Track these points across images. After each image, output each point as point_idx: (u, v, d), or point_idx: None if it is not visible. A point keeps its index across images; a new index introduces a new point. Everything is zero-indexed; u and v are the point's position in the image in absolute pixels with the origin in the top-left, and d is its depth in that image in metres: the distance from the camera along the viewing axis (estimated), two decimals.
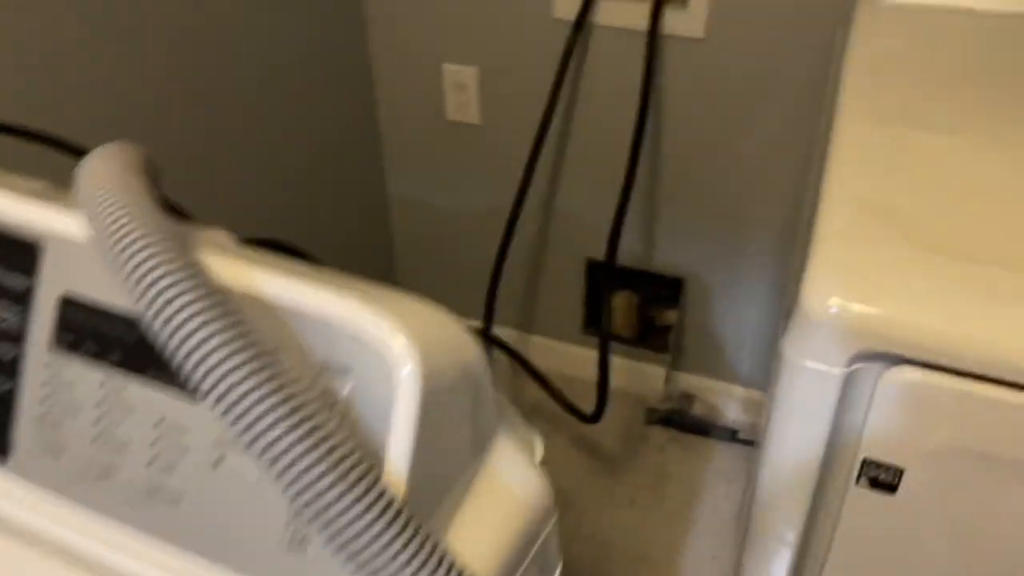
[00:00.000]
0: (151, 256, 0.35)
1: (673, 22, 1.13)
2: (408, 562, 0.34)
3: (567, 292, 1.50)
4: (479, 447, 0.45)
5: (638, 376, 1.50)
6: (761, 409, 1.38)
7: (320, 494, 0.34)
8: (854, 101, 0.67)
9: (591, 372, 1.25)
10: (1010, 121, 0.64)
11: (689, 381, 1.49)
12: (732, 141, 1.20)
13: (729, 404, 1.47)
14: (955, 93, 0.67)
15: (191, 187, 0.69)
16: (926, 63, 0.70)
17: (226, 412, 0.34)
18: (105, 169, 0.41)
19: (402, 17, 1.29)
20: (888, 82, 0.69)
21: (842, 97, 0.68)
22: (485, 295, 1.34)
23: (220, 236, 0.46)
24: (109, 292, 0.42)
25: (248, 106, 1.12)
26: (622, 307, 1.48)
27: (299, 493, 0.34)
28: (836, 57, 0.87)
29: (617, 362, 1.43)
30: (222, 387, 0.34)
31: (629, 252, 1.39)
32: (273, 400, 0.34)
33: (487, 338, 1.34)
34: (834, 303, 0.50)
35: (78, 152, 0.46)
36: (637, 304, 1.47)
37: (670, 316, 1.46)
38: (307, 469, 0.34)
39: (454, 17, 1.26)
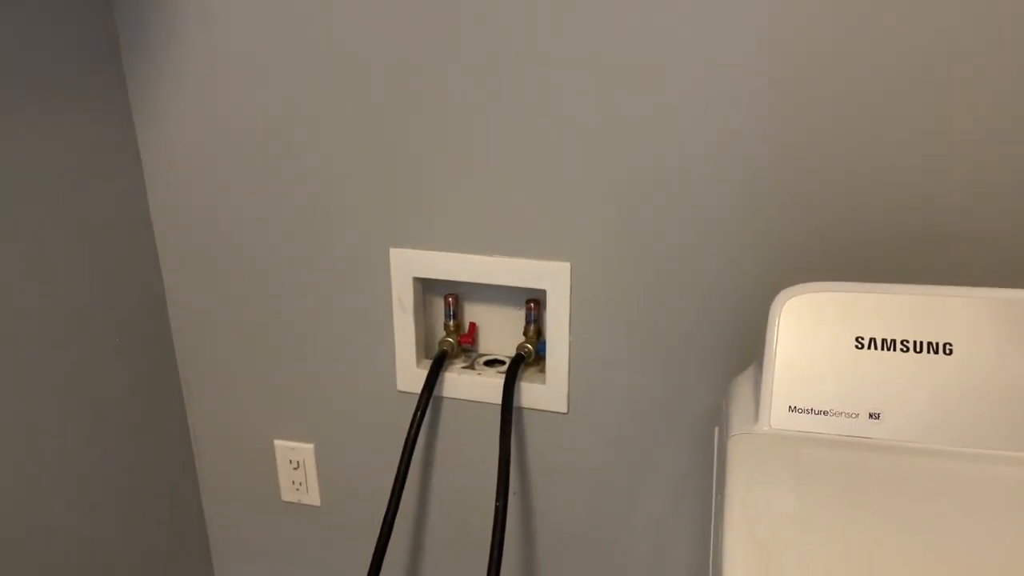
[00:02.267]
0: None
1: (532, 396, 0.99)
2: None
3: None
4: None
5: None
6: None
7: None
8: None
9: None
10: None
11: None
12: (614, 524, 1.02)
13: None
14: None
15: None
16: (814, 517, 0.55)
17: None
18: None
19: (224, 388, 1.11)
20: (773, 544, 0.53)
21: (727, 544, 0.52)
22: None
23: None
24: None
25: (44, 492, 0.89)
26: None
27: None
28: (718, 462, 0.72)
29: None
30: None
31: None
32: None
33: None
34: None
35: None
36: None
37: None
38: None
39: (285, 389, 1.09)
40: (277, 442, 1.12)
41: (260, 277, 1.03)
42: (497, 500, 0.91)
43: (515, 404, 1.00)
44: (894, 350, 0.61)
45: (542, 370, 1.00)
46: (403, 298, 0.99)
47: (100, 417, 1.00)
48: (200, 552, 1.21)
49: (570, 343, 0.96)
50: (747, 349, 0.88)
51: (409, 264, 0.98)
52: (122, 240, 1.01)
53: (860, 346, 0.62)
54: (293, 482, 1.13)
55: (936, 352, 0.61)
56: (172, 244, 1.05)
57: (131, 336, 1.03)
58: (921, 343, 0.61)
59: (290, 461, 1.12)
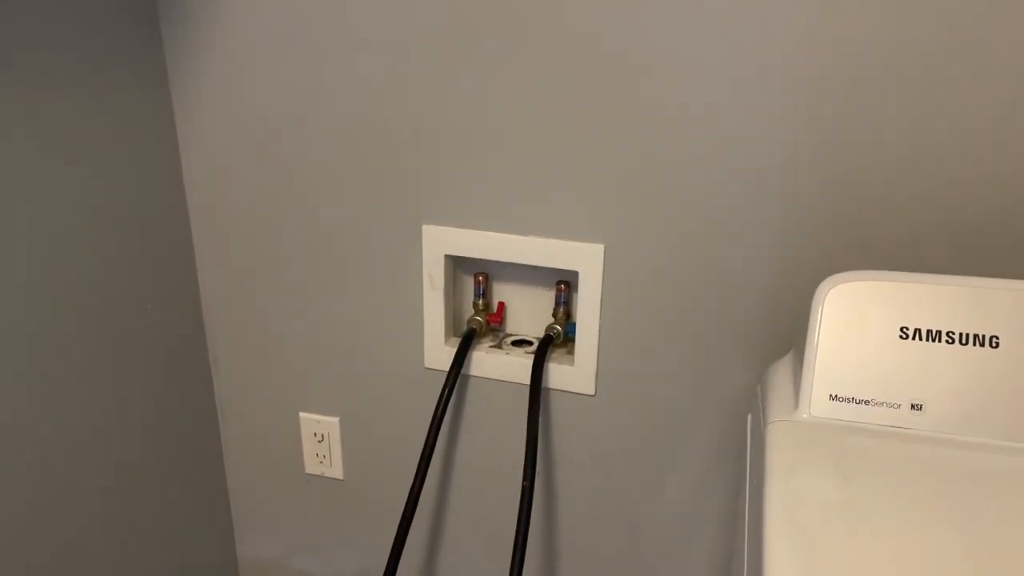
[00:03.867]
0: None
1: (559, 377, 0.99)
2: None
3: None
4: None
5: None
6: None
7: None
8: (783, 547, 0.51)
9: None
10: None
11: None
12: (639, 507, 1.03)
13: None
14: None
15: None
16: (855, 504, 0.55)
17: None
18: None
19: (251, 361, 1.12)
20: (816, 531, 0.53)
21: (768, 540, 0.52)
22: None
23: None
24: None
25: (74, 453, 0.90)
26: None
27: None
28: (753, 449, 0.72)
29: None
30: None
31: None
32: None
33: None
34: None
35: None
36: None
37: None
38: None
39: (311, 363, 1.09)
40: (303, 415, 1.12)
41: (291, 251, 1.04)
42: (524, 480, 0.92)
43: (543, 385, 1.00)
44: (939, 341, 0.61)
45: (570, 352, 1.00)
46: (434, 275, 0.99)
47: (127, 387, 1.01)
48: (223, 522, 1.23)
49: (600, 326, 0.96)
50: (779, 337, 0.88)
51: (441, 241, 0.97)
52: (154, 211, 1.01)
53: (904, 336, 0.61)
54: (317, 455, 1.14)
55: (982, 344, 0.60)
56: (204, 217, 1.05)
57: (161, 307, 1.04)
58: (967, 335, 0.60)
59: (315, 434, 1.13)
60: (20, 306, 0.85)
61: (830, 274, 0.64)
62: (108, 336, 0.97)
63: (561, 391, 1.00)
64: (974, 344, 0.60)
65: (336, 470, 1.14)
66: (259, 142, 0.99)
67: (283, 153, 0.98)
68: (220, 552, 1.23)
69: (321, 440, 1.13)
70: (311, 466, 1.15)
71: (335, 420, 1.11)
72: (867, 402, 0.61)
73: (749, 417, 0.77)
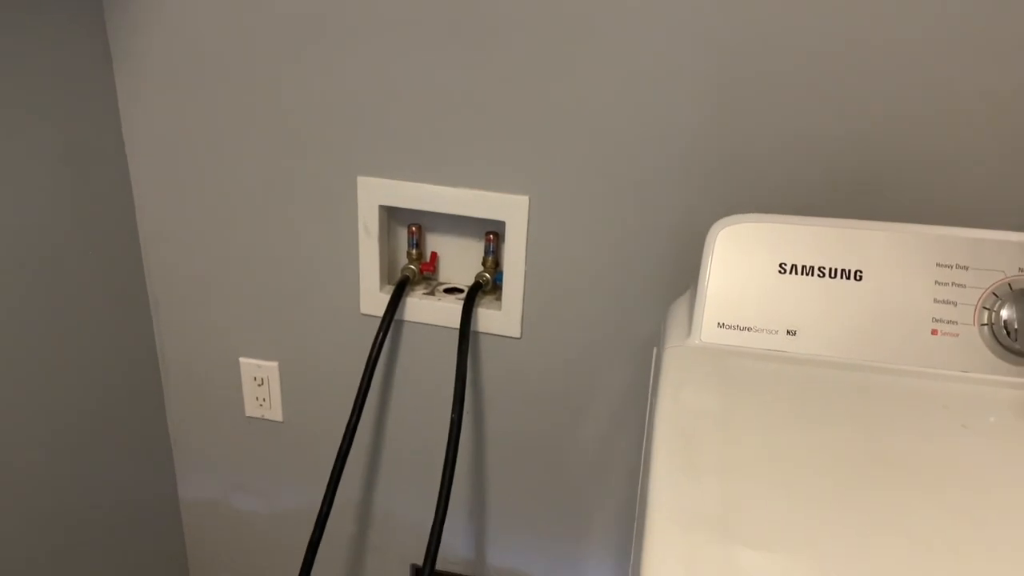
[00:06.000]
0: None
1: (488, 321, 1.06)
2: None
3: None
4: None
5: None
6: None
7: None
8: (666, 457, 0.59)
9: None
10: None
11: None
12: (561, 439, 1.11)
13: None
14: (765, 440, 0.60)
15: None
16: (733, 414, 0.63)
17: None
18: None
19: (191, 307, 1.16)
20: (697, 436, 0.61)
21: (655, 450, 0.59)
22: None
23: None
24: None
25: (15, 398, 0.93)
26: None
27: None
28: (654, 375, 0.80)
29: None
30: None
31: (458, 557, 1.23)
32: None
33: None
34: None
35: None
36: None
37: None
38: None
39: (251, 309, 1.14)
40: (243, 360, 1.17)
41: (230, 198, 1.08)
42: (452, 412, 0.99)
43: (472, 328, 1.06)
44: (812, 275, 0.69)
45: (499, 298, 1.07)
46: (369, 224, 1.05)
47: (67, 330, 1.04)
48: (164, 464, 1.27)
49: (525, 273, 1.02)
50: (685, 280, 0.96)
51: (375, 192, 1.03)
52: (94, 158, 1.04)
53: (783, 271, 0.70)
54: (257, 398, 1.19)
55: (848, 278, 0.69)
56: (143, 164, 1.08)
57: (100, 251, 1.07)
58: (836, 269, 0.69)
59: (255, 378, 1.17)
60: None
61: None
62: (47, 281, 1.00)
63: (489, 334, 1.07)
64: (842, 278, 0.69)
65: (275, 412, 1.19)
66: (198, 92, 1.02)
67: (222, 104, 1.02)
68: (161, 493, 1.28)
69: (261, 384, 1.18)
70: (251, 409, 1.20)
71: (274, 364, 1.16)
72: (749, 329, 0.70)
73: (655, 349, 0.85)
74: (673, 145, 0.91)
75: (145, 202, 1.11)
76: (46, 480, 1.04)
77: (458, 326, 1.05)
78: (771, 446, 0.60)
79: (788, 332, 0.69)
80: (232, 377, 1.19)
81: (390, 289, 1.08)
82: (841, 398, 0.65)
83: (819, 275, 0.69)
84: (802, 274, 0.69)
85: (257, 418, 1.21)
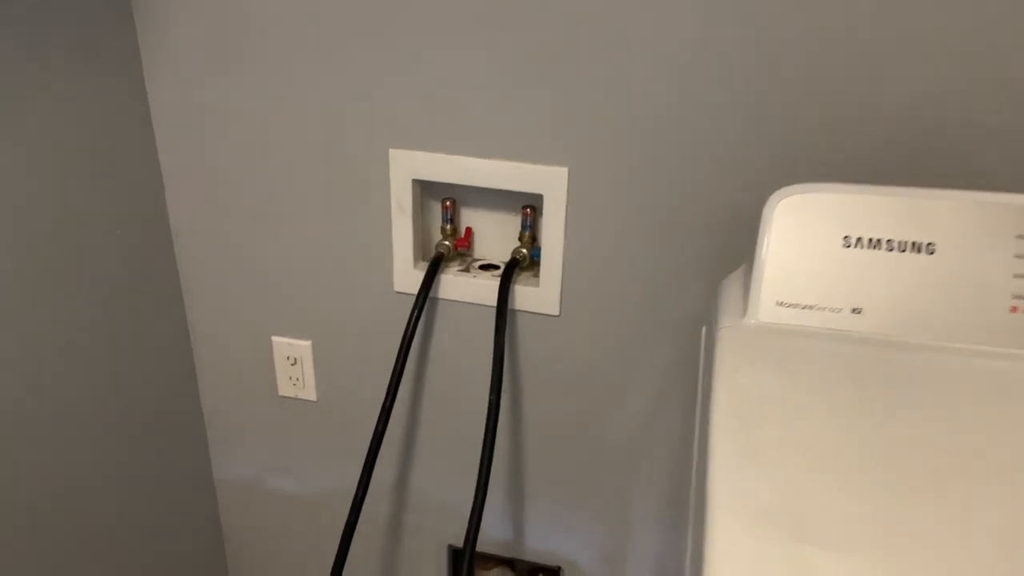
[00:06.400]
0: None
1: (525, 299, 1.02)
2: None
3: None
4: None
5: None
6: None
7: None
8: (726, 446, 0.55)
9: None
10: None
11: None
12: (601, 420, 1.07)
13: None
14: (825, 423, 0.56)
15: None
16: (795, 399, 0.59)
17: None
18: None
19: (223, 287, 1.13)
20: (757, 422, 0.57)
21: (713, 436, 0.56)
22: None
23: None
24: None
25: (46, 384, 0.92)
26: None
27: None
28: (706, 356, 0.76)
29: None
30: None
31: (496, 539, 1.21)
32: None
33: None
34: None
35: None
36: None
37: None
38: None
39: (284, 288, 1.11)
40: (275, 339, 1.15)
41: (261, 175, 1.05)
42: (491, 394, 0.95)
43: (509, 306, 1.03)
44: (879, 249, 0.64)
45: (536, 275, 1.03)
46: (402, 200, 1.01)
47: (98, 310, 1.02)
48: (199, 445, 1.26)
49: (564, 248, 0.98)
50: (736, 256, 0.92)
51: (408, 165, 0.99)
52: (121, 137, 1.01)
53: (847, 245, 0.65)
54: (290, 378, 1.17)
55: (918, 251, 0.64)
56: (172, 142, 1.06)
57: (130, 231, 1.05)
58: (905, 242, 0.64)
59: (287, 357, 1.15)
60: None
61: None
62: (76, 265, 0.98)
63: (527, 312, 1.03)
64: (911, 251, 0.64)
65: (309, 392, 1.17)
66: (227, 65, 0.99)
67: (251, 78, 0.99)
68: (197, 474, 1.27)
69: (294, 363, 1.15)
70: (284, 388, 1.18)
71: (307, 344, 1.14)
72: (811, 307, 0.65)
73: (704, 329, 0.80)
74: (722, 114, 0.86)
75: (174, 181, 1.08)
76: (83, 463, 1.03)
77: (495, 304, 1.01)
78: (838, 434, 0.55)
79: (853, 310, 0.65)
80: (265, 356, 1.17)
81: (424, 266, 1.04)
82: (912, 381, 0.61)
83: (887, 248, 0.64)
84: (868, 247, 0.64)
85: (291, 398, 1.19)
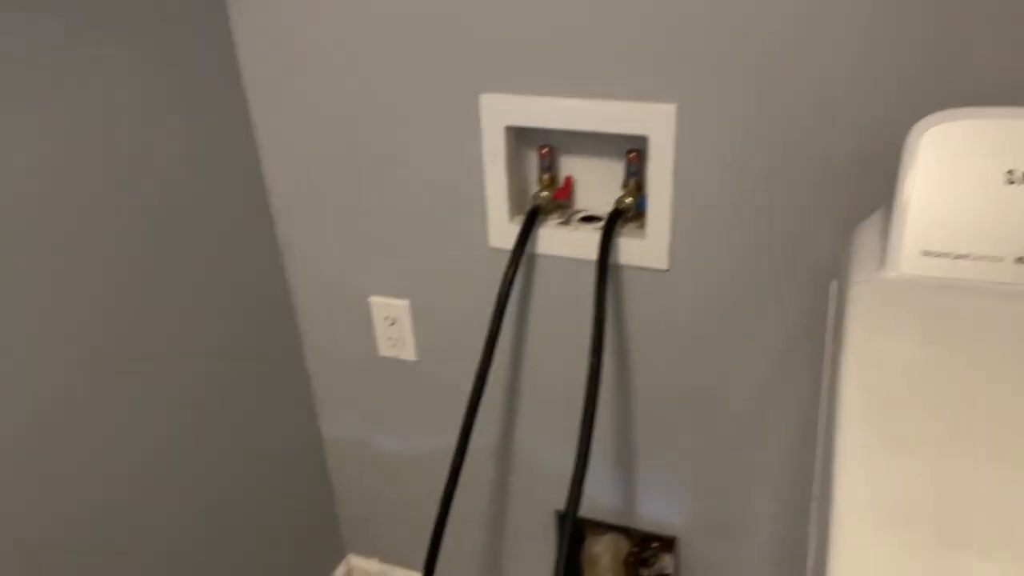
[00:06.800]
0: None
1: (630, 252, 0.94)
2: None
3: (535, 547, 1.24)
4: None
5: None
6: None
7: None
8: (857, 413, 0.46)
9: None
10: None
11: None
12: (714, 387, 0.98)
13: None
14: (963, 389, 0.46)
15: None
16: (944, 369, 0.49)
17: None
18: None
19: (321, 248, 1.11)
20: (896, 397, 0.47)
21: (843, 399, 0.47)
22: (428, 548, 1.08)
23: None
24: None
25: (163, 356, 0.92)
26: (607, 554, 1.22)
27: None
28: (836, 315, 0.66)
29: None
30: None
31: (608, 506, 1.15)
32: None
33: None
34: None
35: None
36: (628, 551, 1.21)
37: (666, 562, 1.19)
38: None
39: (378, 247, 1.07)
40: (373, 299, 1.12)
41: (353, 131, 1.00)
42: (591, 356, 0.88)
43: (612, 261, 0.95)
44: None
45: (642, 226, 0.94)
46: (495, 149, 0.94)
47: (198, 274, 1.02)
48: (306, 405, 1.25)
49: (673, 195, 0.89)
50: (872, 199, 0.80)
51: (501, 111, 0.92)
52: (214, 97, 0.99)
53: (1011, 181, 0.53)
54: (389, 338, 1.14)
55: None
56: (265, 100, 1.03)
57: (227, 192, 1.03)
58: None
59: (386, 317, 1.12)
60: (82, 196, 0.85)
61: None
62: (176, 222, 0.97)
63: (632, 267, 0.95)
64: None
65: (408, 352, 1.14)
66: (317, 17, 0.94)
67: (340, 29, 0.94)
68: (306, 434, 1.27)
69: (392, 323, 1.12)
70: (384, 349, 1.15)
71: (405, 303, 1.10)
72: (965, 256, 0.54)
73: (834, 284, 0.70)
74: (856, 29, 0.74)
75: (268, 143, 1.06)
76: (193, 429, 1.04)
77: (596, 258, 0.94)
78: (997, 411, 0.45)
79: (1017, 259, 0.53)
80: (364, 317, 1.14)
81: (520, 219, 0.98)
82: None
83: None
84: None
85: (391, 358, 1.16)
